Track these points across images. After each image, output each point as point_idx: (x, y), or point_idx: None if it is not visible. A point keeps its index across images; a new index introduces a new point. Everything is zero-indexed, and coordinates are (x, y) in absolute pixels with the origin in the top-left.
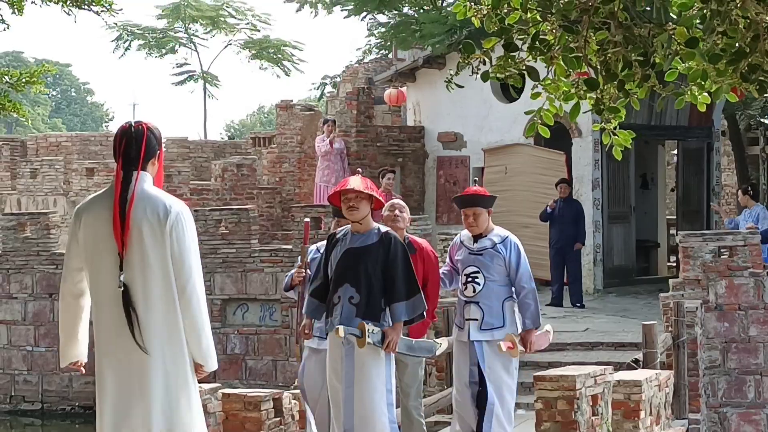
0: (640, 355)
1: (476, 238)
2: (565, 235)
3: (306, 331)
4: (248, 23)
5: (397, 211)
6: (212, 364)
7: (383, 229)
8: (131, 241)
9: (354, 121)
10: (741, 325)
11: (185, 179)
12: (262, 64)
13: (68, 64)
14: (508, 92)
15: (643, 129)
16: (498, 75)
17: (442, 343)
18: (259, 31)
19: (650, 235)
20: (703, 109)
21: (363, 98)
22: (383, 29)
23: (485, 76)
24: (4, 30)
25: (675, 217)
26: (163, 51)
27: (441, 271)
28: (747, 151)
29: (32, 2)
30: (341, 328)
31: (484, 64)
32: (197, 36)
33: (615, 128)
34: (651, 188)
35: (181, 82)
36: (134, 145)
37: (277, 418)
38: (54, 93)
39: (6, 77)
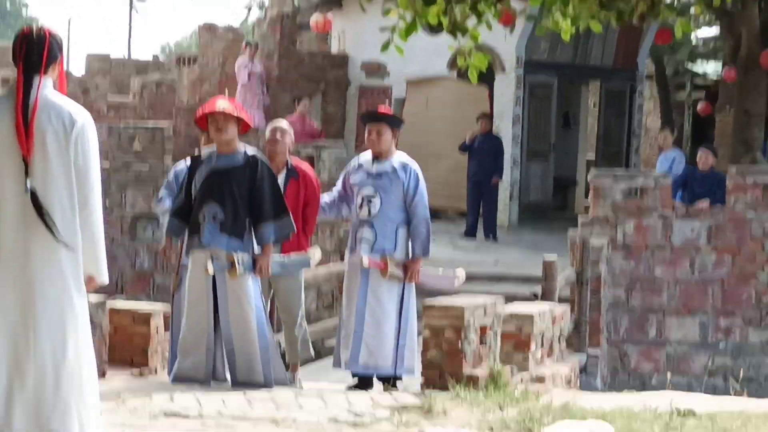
0: (539, 289)
1: (377, 160)
2: (483, 169)
3: (165, 253)
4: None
5: (278, 135)
6: (105, 277)
7: (250, 151)
8: (34, 148)
9: (277, 45)
10: (647, 265)
11: (102, 94)
12: None
13: None
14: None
15: (567, 68)
16: None
17: (316, 252)
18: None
19: (569, 174)
20: (566, 38)
21: (287, 23)
22: None
23: None
24: None
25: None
26: None
27: (323, 197)
28: (673, 96)
29: None
30: (210, 266)
31: None
32: None
33: (470, 51)
34: (573, 127)
35: None
36: (35, 50)
37: (167, 332)
38: None
39: None
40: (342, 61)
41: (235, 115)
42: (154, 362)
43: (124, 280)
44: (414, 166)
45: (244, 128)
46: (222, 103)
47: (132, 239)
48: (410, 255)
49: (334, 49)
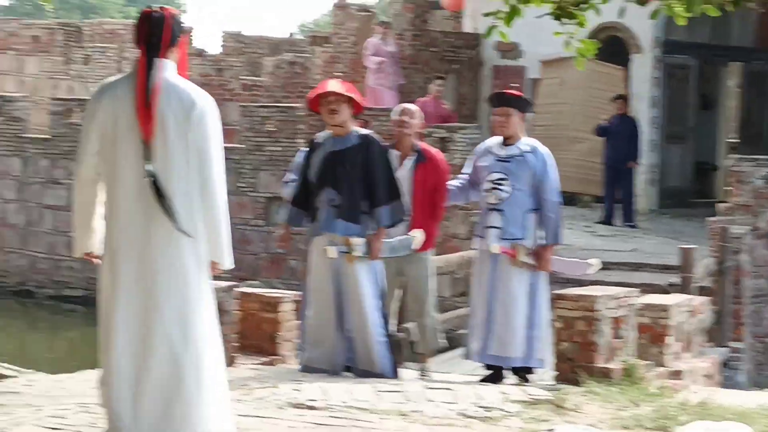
0: (677, 279)
1: (505, 144)
2: (619, 153)
3: (282, 242)
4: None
5: (406, 117)
6: (229, 262)
7: (363, 132)
8: (155, 131)
9: (410, 24)
10: None
11: (236, 74)
12: None
13: None
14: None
15: (706, 48)
16: None
17: (417, 236)
18: None
19: (709, 158)
20: (683, 22)
21: (420, 1)
22: None
23: None
24: None
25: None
26: None
27: (453, 182)
28: None
29: None
30: (330, 249)
31: None
32: None
33: (577, 37)
34: (712, 110)
35: None
36: (156, 32)
37: (297, 320)
38: None
39: None
40: (475, 40)
41: (347, 95)
42: (284, 350)
43: (258, 264)
44: (543, 149)
45: (357, 109)
46: (333, 84)
47: (266, 222)
48: (540, 242)
49: (467, 28)
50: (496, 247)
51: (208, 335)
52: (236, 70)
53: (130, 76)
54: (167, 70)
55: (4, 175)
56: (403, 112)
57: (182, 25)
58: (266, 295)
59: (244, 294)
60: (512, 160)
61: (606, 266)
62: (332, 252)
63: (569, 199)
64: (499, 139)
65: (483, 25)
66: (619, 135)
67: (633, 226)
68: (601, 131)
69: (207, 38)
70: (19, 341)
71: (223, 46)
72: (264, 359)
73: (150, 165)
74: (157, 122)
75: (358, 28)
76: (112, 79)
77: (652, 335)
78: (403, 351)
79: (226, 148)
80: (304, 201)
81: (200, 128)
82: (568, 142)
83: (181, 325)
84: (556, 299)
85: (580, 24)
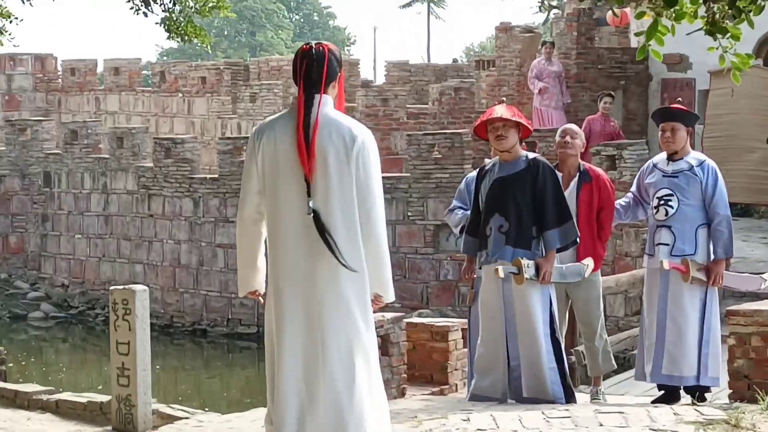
0: None
1: (671, 159)
2: None
3: (467, 275)
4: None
5: (568, 137)
6: (391, 295)
7: (531, 155)
8: (316, 167)
9: (574, 42)
10: None
11: (402, 103)
12: None
13: None
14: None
15: None
16: None
17: (589, 264)
18: None
19: None
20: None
21: (584, 19)
22: None
23: None
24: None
25: None
26: None
27: (619, 201)
28: None
29: None
30: (500, 269)
31: None
32: None
33: (733, 50)
34: None
35: (408, 4)
36: (315, 67)
37: (465, 349)
38: (297, 17)
39: (191, 1)
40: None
41: (514, 120)
42: (454, 379)
43: (429, 292)
44: (711, 162)
45: (524, 134)
46: (500, 110)
47: (435, 249)
48: (712, 257)
49: (633, 42)
50: (666, 263)
51: (372, 371)
52: (401, 99)
53: (289, 113)
54: (327, 105)
55: (177, 216)
56: (565, 132)
57: (341, 59)
58: (435, 324)
59: (411, 324)
60: (680, 175)
61: None
62: (501, 272)
63: (744, 210)
64: (665, 154)
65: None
66: None
67: None
68: None
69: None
70: (195, 381)
71: (387, 75)
72: (434, 389)
73: (312, 201)
74: (318, 158)
75: (522, 50)
76: (271, 117)
77: None
78: (576, 375)
79: (394, 178)
80: (477, 229)
81: (361, 162)
82: (741, 152)
83: (347, 365)
84: (729, 315)
85: (735, 37)
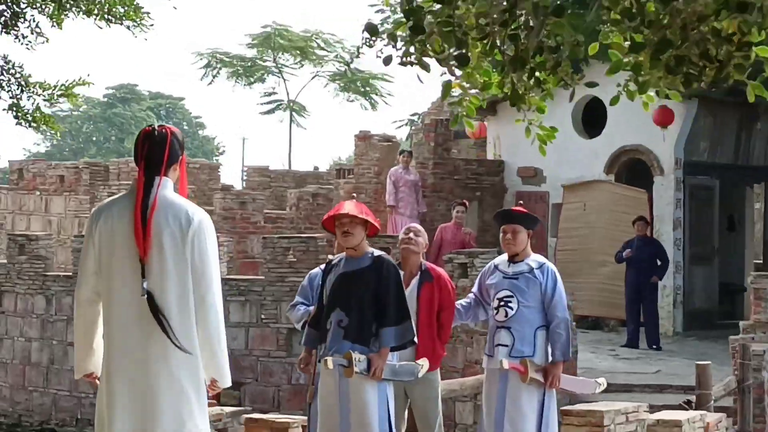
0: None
1: (512, 261)
2: (641, 275)
3: (303, 365)
4: (337, 56)
5: (411, 234)
6: (227, 380)
7: (377, 253)
8: (151, 248)
9: (431, 153)
10: None
11: (259, 207)
12: (350, 96)
13: (181, 98)
14: (589, 127)
15: (728, 169)
16: (405, 59)
17: (424, 364)
18: (348, 64)
19: (735, 279)
20: (647, 110)
21: (441, 130)
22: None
23: (387, 61)
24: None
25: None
26: (252, 80)
27: (460, 302)
28: None
29: (69, 17)
30: (330, 359)
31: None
32: (286, 66)
33: (539, 123)
34: (738, 230)
35: (270, 111)
36: (157, 150)
37: None
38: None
39: (39, 89)
40: (498, 167)
41: (361, 217)
42: None
43: (281, 395)
44: (551, 265)
45: (371, 231)
46: (348, 206)
47: (288, 353)
48: (550, 359)
49: (489, 155)
50: (506, 362)
51: None
52: (260, 203)
53: (129, 195)
54: (166, 188)
55: (28, 313)
56: (409, 230)
57: (183, 142)
58: (276, 420)
59: (252, 420)
60: (520, 277)
61: (629, 389)
62: (330, 363)
63: (594, 323)
64: (506, 256)
65: (505, 152)
66: (642, 257)
67: (658, 349)
68: (619, 260)
69: (240, 179)
70: None
71: (247, 180)
72: None
73: (146, 282)
74: (154, 239)
75: (381, 158)
76: (110, 199)
77: None
78: None
79: (248, 280)
80: (320, 323)
81: (196, 245)
82: (594, 266)
83: None
84: (563, 414)
85: (540, 110)
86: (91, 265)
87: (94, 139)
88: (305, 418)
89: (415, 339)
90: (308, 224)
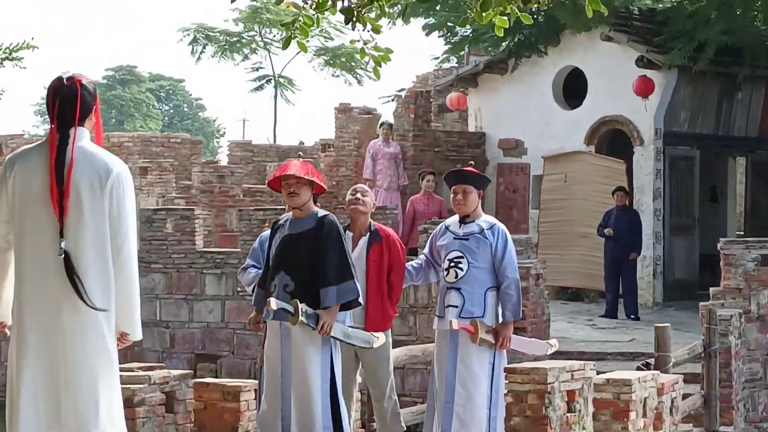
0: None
1: (463, 222)
2: (620, 245)
3: (252, 324)
4: (322, 30)
5: (359, 195)
6: (138, 333)
7: (321, 213)
8: (69, 207)
9: (411, 125)
10: None
11: (238, 180)
12: (335, 71)
13: (182, 80)
14: (571, 99)
15: (710, 139)
16: None
17: (380, 337)
18: (333, 39)
19: (716, 249)
20: (500, 33)
21: (422, 102)
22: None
23: None
24: None
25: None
26: (238, 55)
27: (411, 263)
28: None
29: None
30: (273, 300)
31: None
32: (273, 42)
33: (373, 44)
34: (720, 201)
35: (259, 87)
36: (69, 104)
37: (257, 410)
38: (167, 108)
39: None
40: (479, 139)
41: (307, 178)
42: None
43: (257, 368)
44: (501, 226)
45: (318, 191)
46: (294, 167)
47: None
48: (500, 320)
49: (471, 127)
50: (455, 322)
51: (116, 414)
52: (238, 176)
53: (43, 147)
54: (82, 139)
55: None
56: (356, 190)
57: (95, 92)
58: (227, 384)
59: (203, 384)
60: (470, 238)
61: (602, 356)
62: (273, 304)
63: (575, 294)
64: (457, 217)
65: (486, 124)
66: (620, 228)
67: (636, 319)
68: (601, 234)
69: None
70: None
71: (229, 155)
72: None
73: (64, 242)
74: (73, 197)
75: (361, 131)
76: (25, 147)
77: (615, 410)
78: None
79: (224, 252)
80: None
81: (115, 197)
82: (574, 237)
83: (91, 402)
84: (507, 372)
85: (376, 30)
86: (3, 213)
87: None
88: (256, 381)
89: (360, 299)
90: None
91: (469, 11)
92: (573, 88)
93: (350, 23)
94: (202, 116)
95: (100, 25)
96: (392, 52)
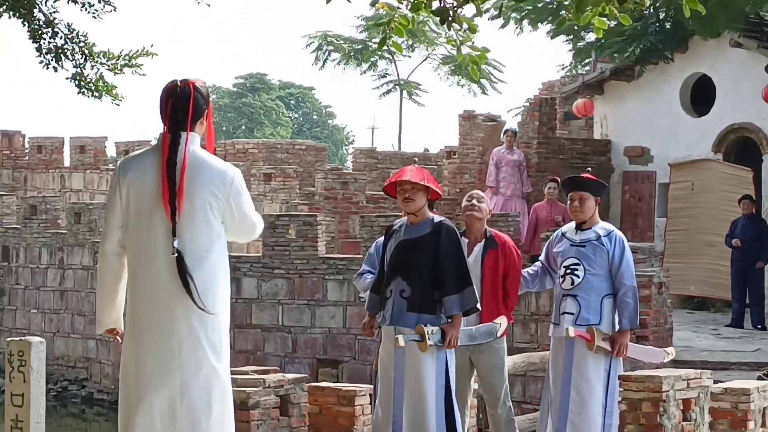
0: None
1: (580, 229)
2: (747, 254)
3: (367, 330)
4: (449, 38)
5: (474, 201)
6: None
7: (437, 219)
8: (183, 208)
9: (535, 132)
10: None
11: (361, 186)
12: (460, 80)
13: (311, 88)
14: (698, 105)
15: None
16: None
17: (502, 323)
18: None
19: None
20: (599, 34)
21: (546, 109)
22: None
23: None
24: (111, 12)
25: None
26: (364, 63)
27: (527, 269)
28: None
29: None
30: (401, 338)
31: None
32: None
33: (470, 43)
34: None
35: (386, 93)
36: (181, 106)
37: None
38: (296, 115)
39: (103, 59)
40: (605, 146)
41: (423, 184)
42: None
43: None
44: (618, 233)
45: (433, 196)
46: (409, 172)
47: None
48: (617, 327)
49: (596, 134)
50: (571, 330)
51: (227, 417)
52: (361, 183)
53: (155, 150)
54: (194, 143)
55: None
56: (472, 196)
57: (207, 96)
58: (342, 389)
59: (318, 388)
60: (587, 245)
61: (725, 366)
62: (402, 341)
63: (701, 304)
64: (574, 224)
65: (612, 131)
66: (747, 236)
67: (763, 329)
68: (729, 244)
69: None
70: None
71: (354, 162)
72: None
73: (176, 241)
74: (186, 199)
75: (485, 138)
76: (137, 152)
77: (732, 420)
78: None
79: (347, 259)
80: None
81: (234, 202)
82: (702, 246)
83: (204, 406)
84: (621, 380)
85: (472, 30)
86: (118, 218)
87: (224, 128)
88: (371, 386)
89: (479, 306)
90: None
91: (564, 11)
92: (701, 95)
93: (445, 23)
94: (332, 124)
95: (230, 34)
96: (489, 51)
